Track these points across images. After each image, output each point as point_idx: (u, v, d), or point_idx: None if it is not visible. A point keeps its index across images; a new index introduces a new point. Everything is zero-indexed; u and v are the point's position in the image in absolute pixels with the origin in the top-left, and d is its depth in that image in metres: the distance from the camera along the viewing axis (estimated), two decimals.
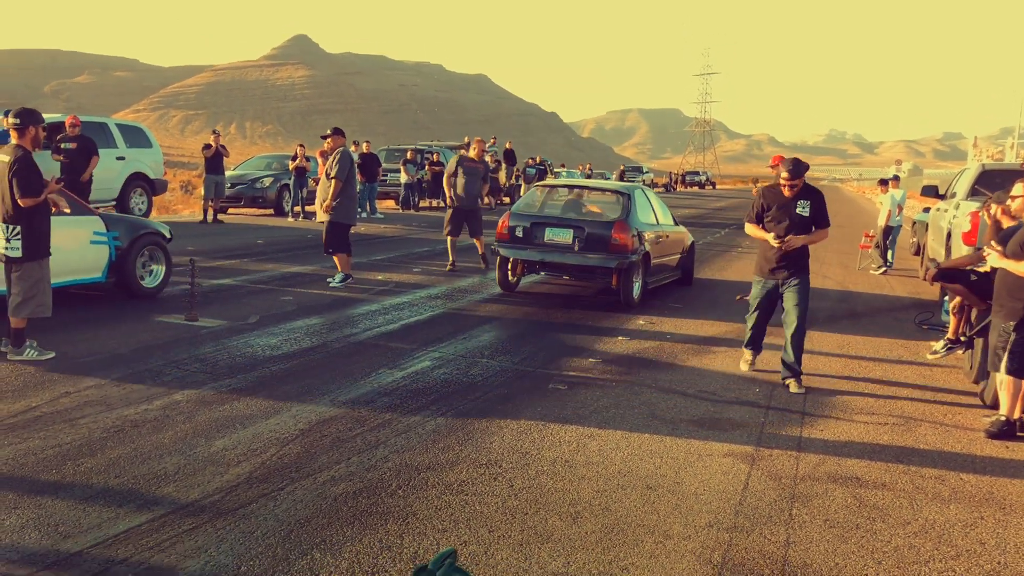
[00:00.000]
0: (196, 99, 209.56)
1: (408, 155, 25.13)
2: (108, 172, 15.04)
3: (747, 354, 7.17)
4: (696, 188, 71.00)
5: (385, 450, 4.79)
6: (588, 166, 47.29)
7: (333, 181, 9.95)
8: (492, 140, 31.35)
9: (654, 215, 10.62)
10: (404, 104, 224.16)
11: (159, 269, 9.02)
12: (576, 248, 9.46)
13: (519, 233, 9.78)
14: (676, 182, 68.94)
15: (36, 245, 6.22)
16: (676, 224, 11.60)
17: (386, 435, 5.04)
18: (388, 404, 5.63)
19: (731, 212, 31.73)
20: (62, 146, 13.46)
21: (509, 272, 10.17)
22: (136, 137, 16.59)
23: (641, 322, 8.99)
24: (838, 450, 5.25)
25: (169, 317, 7.88)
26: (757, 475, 4.74)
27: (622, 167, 52.64)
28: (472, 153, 12.24)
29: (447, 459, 4.71)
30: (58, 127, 14.44)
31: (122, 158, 15.86)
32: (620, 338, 8.15)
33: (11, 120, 6.34)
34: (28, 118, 6.36)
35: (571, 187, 11.41)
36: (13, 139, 6.33)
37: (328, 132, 10.69)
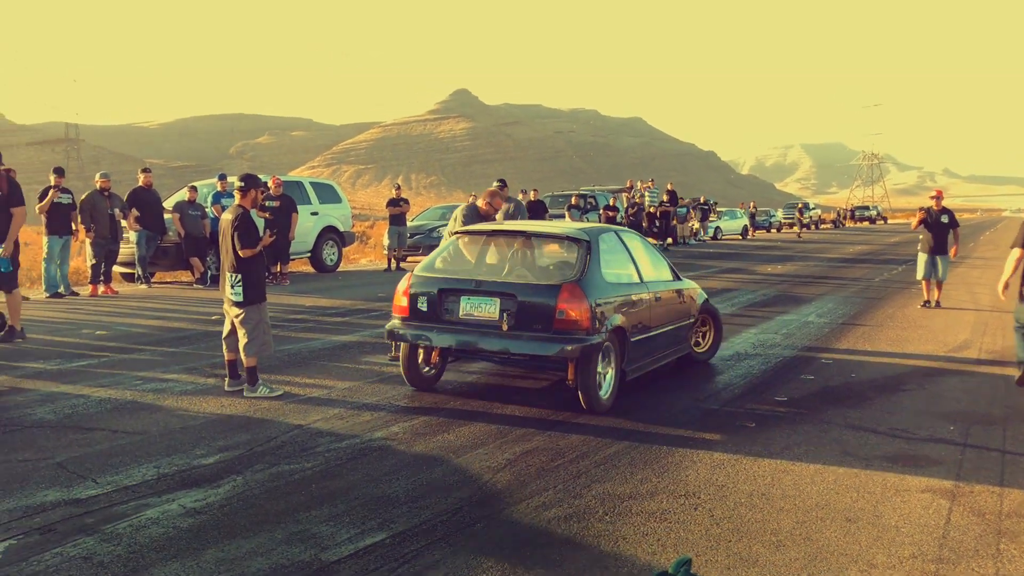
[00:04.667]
0: (365, 154, 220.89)
1: (572, 200, 25.76)
2: (304, 226, 16.40)
3: None
4: (866, 223, 68.29)
5: (587, 480, 5.13)
6: (752, 204, 46.51)
7: None
8: (650, 182, 31.57)
9: (635, 269, 7.55)
10: (560, 151, 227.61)
11: None
12: (505, 326, 6.48)
13: (422, 305, 6.82)
14: (844, 217, 66.60)
15: (254, 291, 7.03)
16: (677, 278, 8.37)
17: (585, 466, 5.38)
18: (582, 438, 5.98)
19: (906, 247, 30.42)
20: (266, 204, 14.82)
21: (420, 360, 7.23)
22: (328, 193, 18.00)
23: (824, 359, 8.97)
24: None
25: (374, 358, 8.57)
26: (959, 511, 4.75)
27: (800, 204, 51.46)
28: (481, 203, 8.95)
29: (646, 489, 4.99)
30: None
31: (316, 213, 17.25)
32: (803, 376, 8.19)
33: (237, 183, 7.22)
34: (251, 182, 7.22)
35: (502, 233, 7.68)
36: (236, 199, 7.19)
37: (496, 184, 11.48)
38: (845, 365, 8.81)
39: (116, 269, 14.84)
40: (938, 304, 13.43)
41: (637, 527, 4.41)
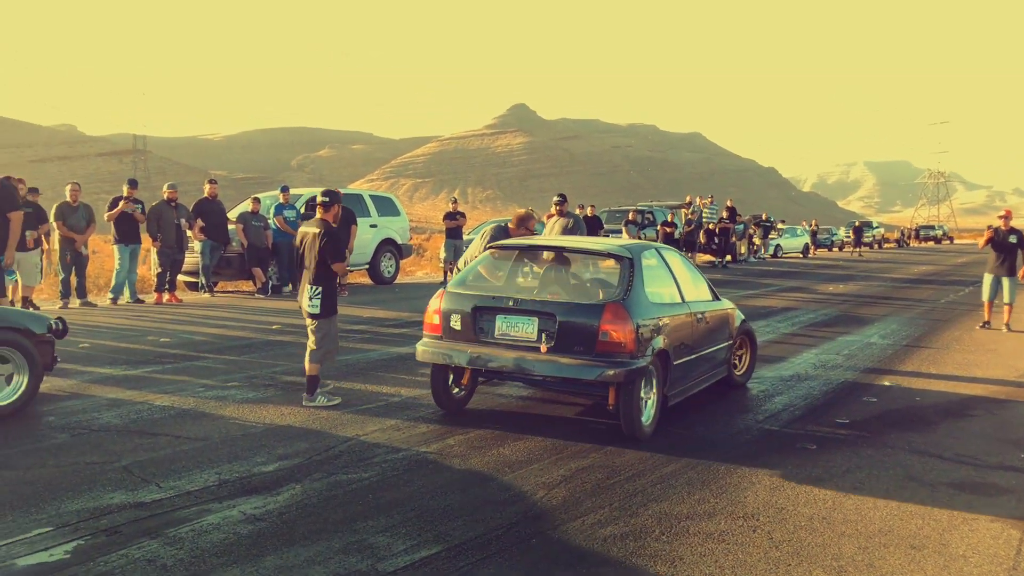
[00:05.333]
0: (423, 168, 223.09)
1: (630, 216, 25.66)
2: (363, 238, 16.60)
3: None
4: (931, 243, 66.71)
5: (643, 498, 5.08)
6: (815, 222, 45.75)
7: None
8: (710, 198, 31.27)
9: (676, 288, 7.19)
10: (617, 165, 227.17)
11: (19, 380, 6.60)
12: (544, 348, 6.20)
13: (455, 323, 6.54)
14: (908, 237, 65.21)
15: (330, 304, 7.17)
16: (716, 298, 8.04)
17: (642, 484, 5.33)
18: (639, 456, 5.93)
19: (974, 268, 29.62)
20: None
21: (450, 381, 6.95)
22: (386, 206, 18.22)
23: (887, 382, 8.78)
24: None
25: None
26: None
27: (858, 223, 50.32)
28: (512, 226, 8.64)
29: (704, 510, 4.92)
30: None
31: (375, 226, 17.46)
32: (865, 399, 8.01)
33: (320, 198, 7.35)
34: (334, 198, 7.37)
35: (539, 248, 7.36)
36: (318, 214, 7.31)
37: (557, 198, 11.74)
38: (909, 388, 8.60)
39: (180, 278, 15.19)
40: (1008, 327, 13.04)
41: (694, 548, 4.35)
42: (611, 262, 6.79)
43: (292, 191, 16.68)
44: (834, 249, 47.29)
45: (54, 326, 6.98)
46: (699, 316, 7.33)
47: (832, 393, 8.26)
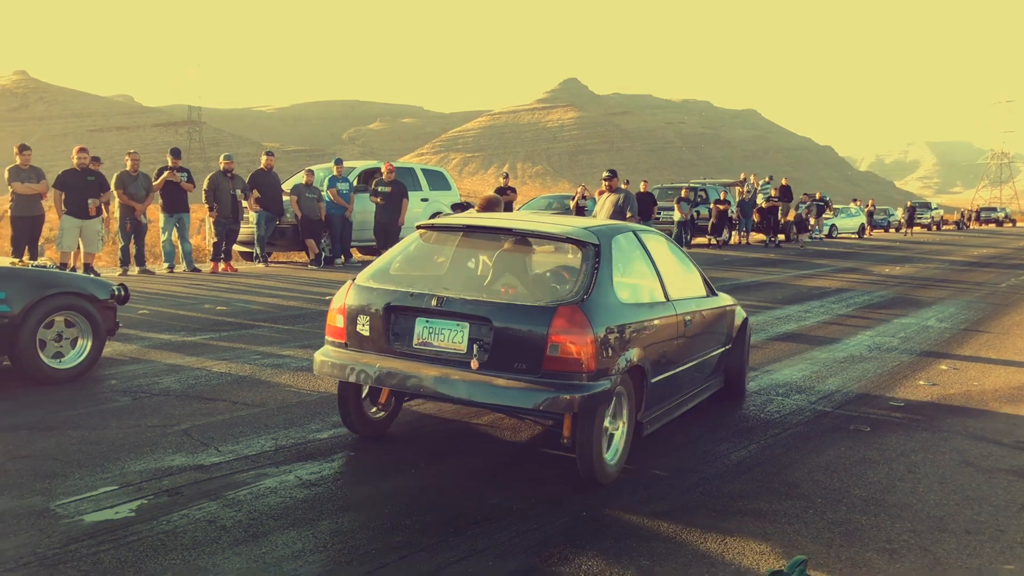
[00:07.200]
0: (473, 142, 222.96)
1: (683, 193, 25.43)
2: (413, 212, 16.71)
3: None
4: (993, 225, 65.04)
5: (695, 476, 5.08)
6: (871, 203, 44.88)
7: (631, 220, 10.65)
8: (767, 178, 30.82)
9: (658, 282, 5.67)
10: (669, 142, 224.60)
11: (84, 344, 6.78)
12: (475, 363, 4.66)
13: (362, 327, 4.97)
14: (968, 219, 63.65)
15: None
16: (713, 293, 6.67)
17: (693, 463, 5.33)
18: (690, 436, 5.92)
19: None
20: (379, 189, 15.17)
21: (365, 400, 5.47)
22: (438, 180, 18.33)
23: (943, 366, 8.62)
24: None
25: None
26: None
27: (910, 203, 49.20)
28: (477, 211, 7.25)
29: (755, 489, 4.90)
30: (374, 173, 16.37)
31: (426, 199, 17.57)
32: (922, 383, 7.89)
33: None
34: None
35: (481, 230, 5.52)
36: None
37: (606, 174, 11.95)
38: (966, 372, 8.43)
39: (235, 248, 15.45)
40: None
41: (745, 526, 4.34)
42: (572, 249, 5.21)
43: (345, 164, 16.83)
44: (891, 230, 46.40)
45: (117, 292, 7.18)
46: (688, 319, 5.84)
47: (887, 375, 8.14)
